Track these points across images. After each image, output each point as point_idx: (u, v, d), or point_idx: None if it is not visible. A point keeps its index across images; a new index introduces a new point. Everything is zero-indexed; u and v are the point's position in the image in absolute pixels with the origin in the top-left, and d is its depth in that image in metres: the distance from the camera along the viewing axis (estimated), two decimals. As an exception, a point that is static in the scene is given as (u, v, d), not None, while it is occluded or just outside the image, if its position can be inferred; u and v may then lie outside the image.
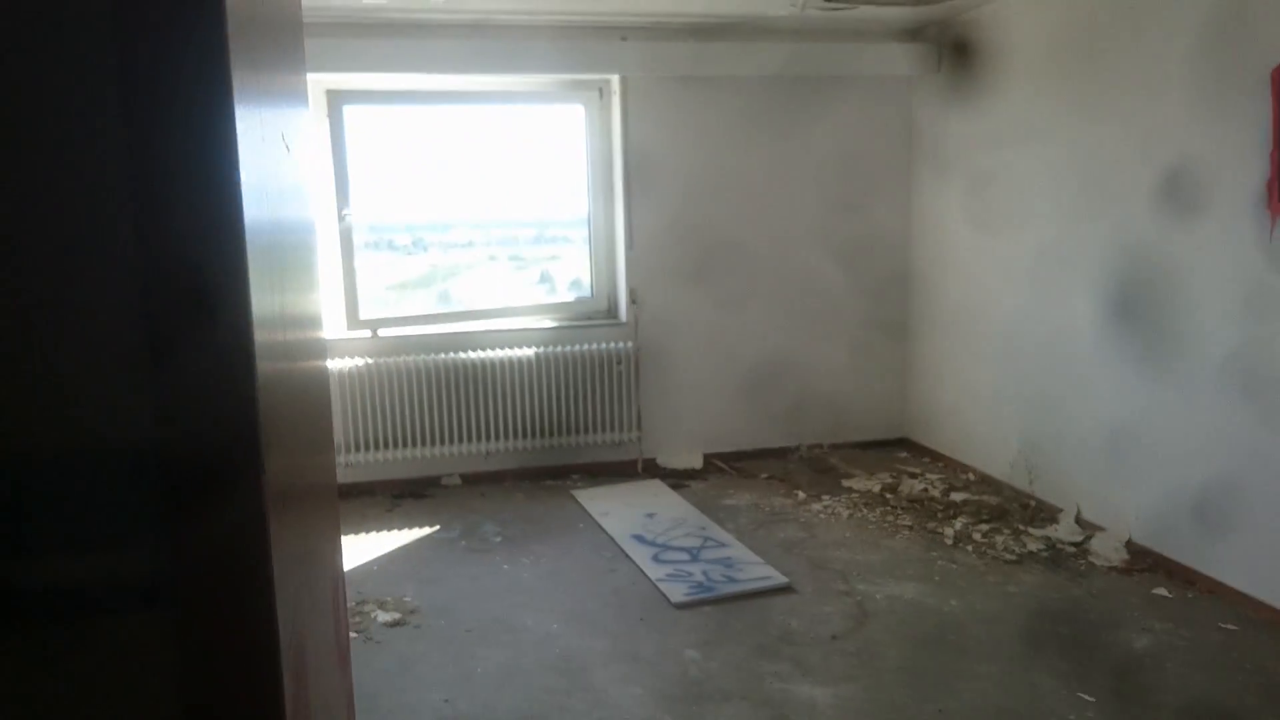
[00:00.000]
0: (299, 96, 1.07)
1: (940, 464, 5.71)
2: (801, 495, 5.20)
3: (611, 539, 4.62)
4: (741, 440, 5.93)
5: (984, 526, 4.63)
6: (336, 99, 5.22)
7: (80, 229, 0.66)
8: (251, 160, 0.72)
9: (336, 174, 5.28)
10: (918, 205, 5.92)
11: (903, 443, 6.13)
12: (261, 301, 0.75)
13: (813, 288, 5.91)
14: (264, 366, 0.72)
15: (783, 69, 5.53)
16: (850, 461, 5.77)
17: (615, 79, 5.57)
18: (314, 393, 1.09)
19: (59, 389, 0.68)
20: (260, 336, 0.72)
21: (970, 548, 4.42)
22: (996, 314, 5.21)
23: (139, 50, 0.63)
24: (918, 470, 5.57)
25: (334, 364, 5.24)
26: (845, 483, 5.37)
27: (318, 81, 5.24)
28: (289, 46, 1.03)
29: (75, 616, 0.70)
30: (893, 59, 5.65)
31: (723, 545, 4.50)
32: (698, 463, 5.79)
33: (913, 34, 5.74)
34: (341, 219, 5.31)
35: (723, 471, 5.71)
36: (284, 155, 0.88)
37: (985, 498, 5.04)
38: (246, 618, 0.70)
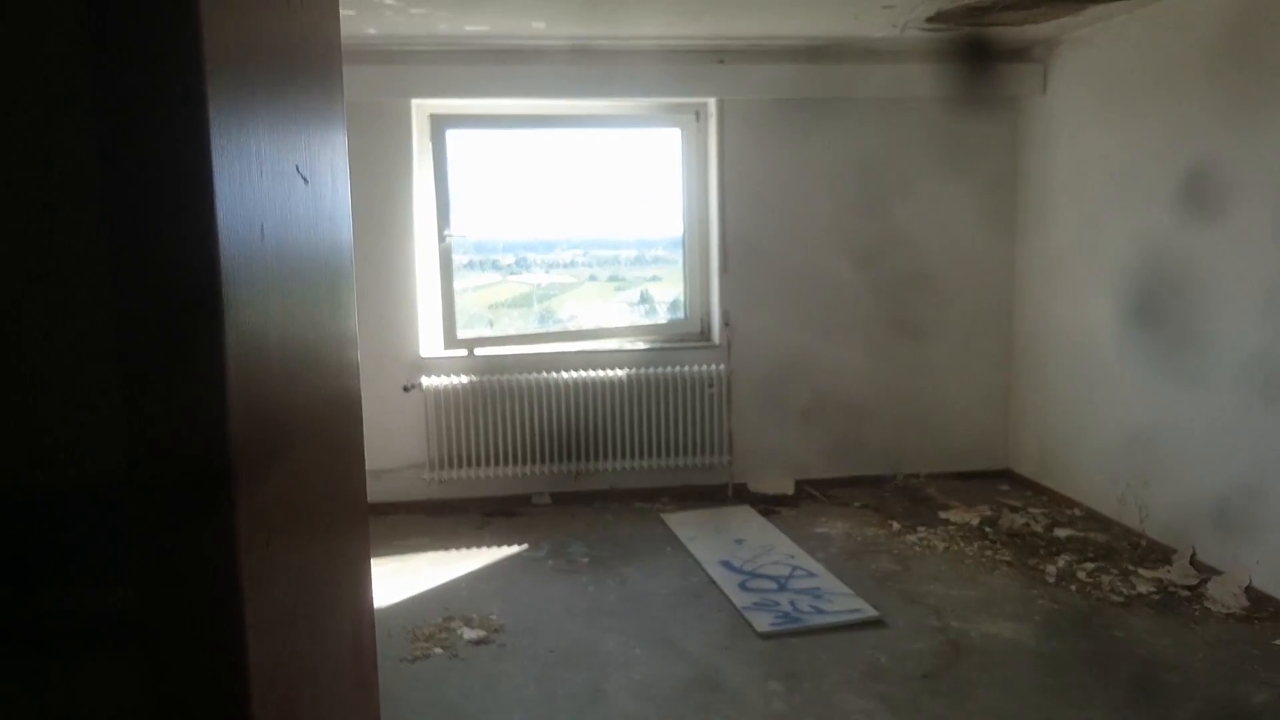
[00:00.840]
0: (324, 124, 1.06)
1: (1044, 498, 5.48)
2: (896, 526, 5.06)
3: (698, 564, 4.58)
4: (835, 467, 5.82)
5: (1090, 565, 4.42)
6: (440, 124, 5.36)
7: (51, 257, 0.66)
8: (240, 192, 0.72)
9: (438, 196, 5.41)
10: (1023, 231, 5.73)
11: (1004, 474, 5.92)
12: (252, 331, 0.75)
13: (912, 313, 5.77)
14: (248, 396, 0.72)
15: (883, 91, 5.45)
16: (948, 492, 5.59)
17: (712, 102, 5.57)
18: (331, 417, 1.08)
19: (26, 419, 0.69)
20: (246, 366, 0.72)
21: (1074, 587, 4.23)
22: (1107, 345, 4.99)
23: (114, 84, 0.64)
24: (1019, 504, 5.37)
25: (429, 381, 5.35)
26: (942, 514, 5.20)
27: (421, 106, 5.39)
28: (316, 73, 1.03)
29: (30, 654, 0.69)
30: (998, 81, 5.50)
31: (812, 575, 4.41)
32: (789, 489, 5.70)
33: (1018, 54, 5.58)
34: (442, 239, 5.43)
35: (815, 499, 5.61)
36: (297, 185, 0.88)
37: (1092, 535, 4.82)
38: (208, 653, 0.69)
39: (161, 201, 0.64)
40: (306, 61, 1.00)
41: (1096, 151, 5.01)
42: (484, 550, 4.85)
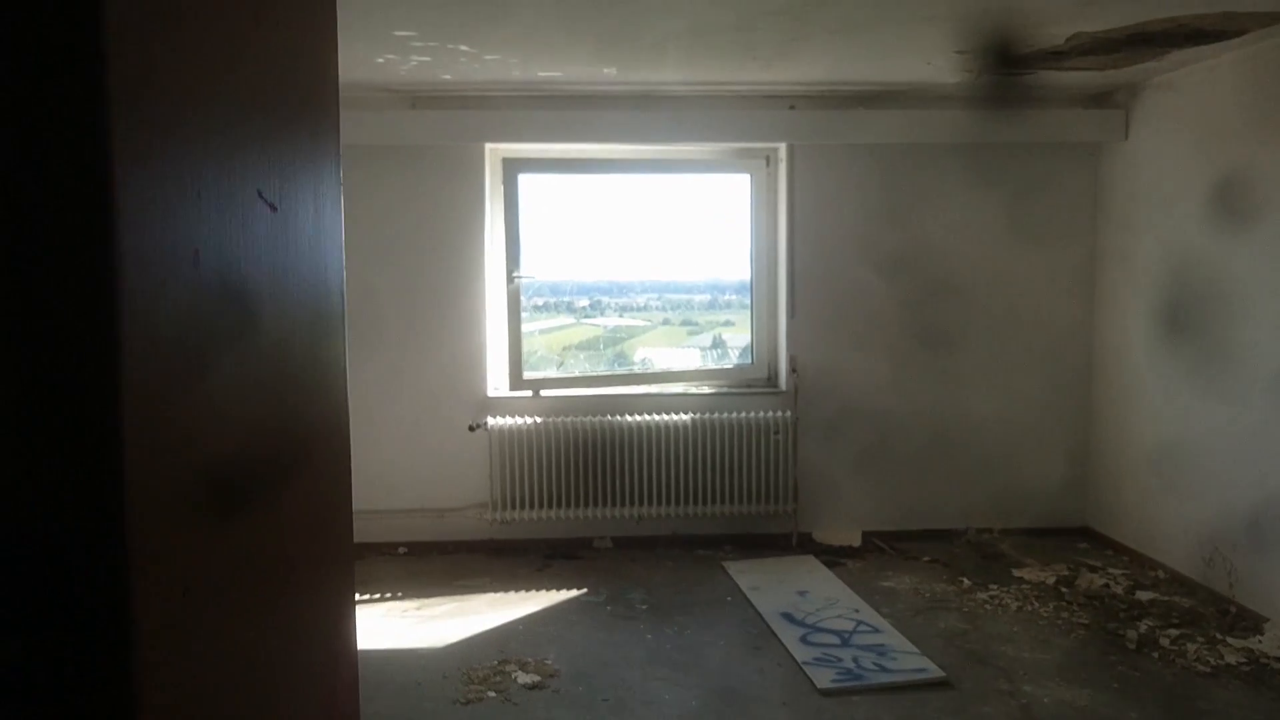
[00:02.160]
0: (309, 153, 1.02)
1: (1125, 558, 5.24)
2: (966, 583, 4.88)
3: (759, 615, 4.47)
4: (904, 519, 5.66)
5: (1174, 631, 4.19)
6: (512, 167, 5.44)
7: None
8: (164, 213, 0.68)
9: (508, 238, 5.47)
10: (1104, 280, 5.56)
11: (1083, 532, 5.69)
12: (167, 359, 0.69)
13: (985, 362, 5.63)
14: (153, 454, 0.66)
15: (956, 137, 5.37)
16: (1022, 549, 5.39)
17: (782, 147, 5.55)
18: (308, 458, 1.04)
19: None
20: (158, 416, 0.67)
21: (1156, 654, 4.01)
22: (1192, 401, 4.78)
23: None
24: (1098, 563, 5.14)
25: (494, 422, 5.37)
26: (1016, 572, 5.01)
27: (494, 150, 5.48)
28: (298, 101, 0.99)
29: None
30: (1076, 125, 5.37)
31: (876, 630, 4.27)
32: (855, 540, 5.57)
33: (1097, 99, 5.45)
34: (511, 280, 5.48)
35: (882, 551, 5.45)
36: (260, 212, 0.85)
37: (1176, 599, 4.59)
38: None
39: (43, 217, 0.59)
40: (286, 87, 0.96)
41: (1183, 198, 4.84)
42: (543, 593, 4.81)
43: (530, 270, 5.54)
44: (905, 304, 5.58)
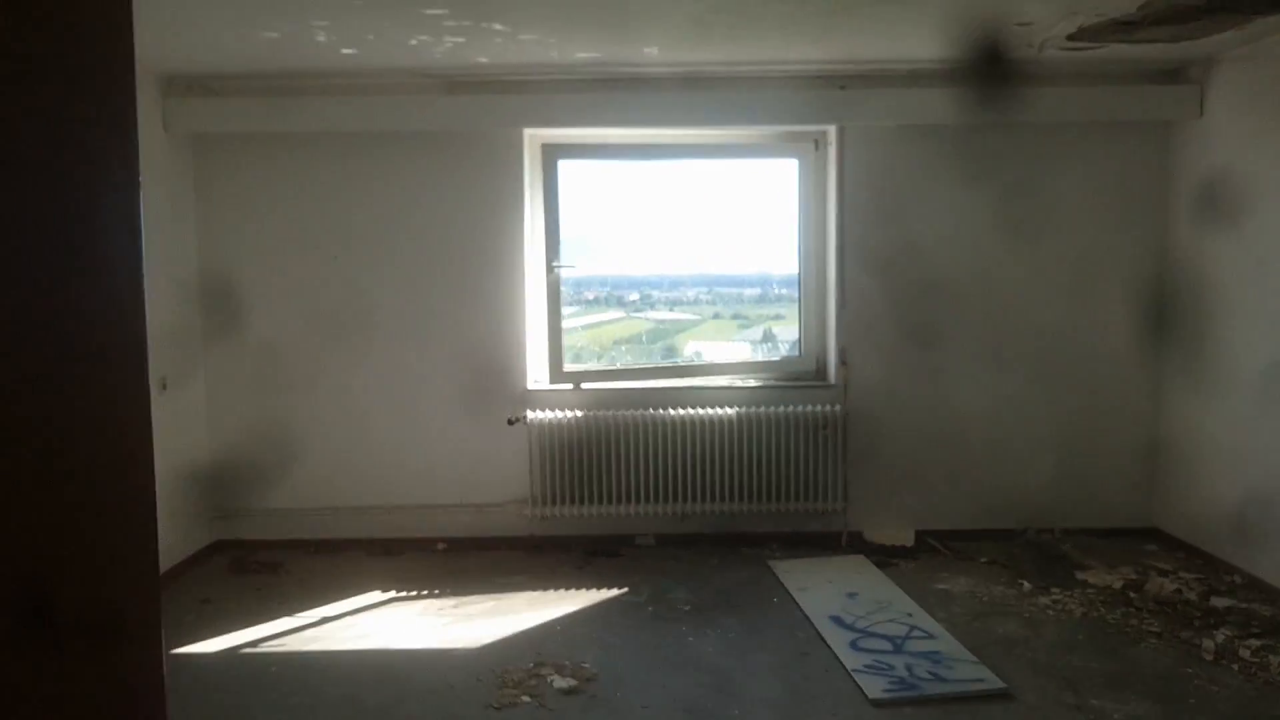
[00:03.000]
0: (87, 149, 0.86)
1: (1198, 561, 4.95)
2: (1026, 586, 4.63)
3: (807, 618, 4.28)
4: (959, 517, 5.42)
5: (1254, 642, 3.91)
6: (551, 153, 5.28)
7: None
8: None
9: (547, 227, 5.32)
10: (1176, 264, 5.25)
11: (1151, 533, 5.39)
12: None
13: (1046, 351, 5.35)
14: None
15: (1017, 116, 5.09)
16: (1086, 550, 5.12)
17: (832, 130, 5.32)
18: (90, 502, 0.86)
19: None
20: None
21: (1236, 667, 3.74)
22: (1274, 391, 4.47)
23: None
24: (1169, 567, 4.85)
25: (534, 416, 5.23)
26: (1080, 575, 4.74)
27: (533, 136, 5.33)
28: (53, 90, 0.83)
29: None
30: (1147, 103, 5.07)
31: (931, 636, 4.05)
32: (908, 539, 5.33)
33: (1170, 75, 5.14)
34: (550, 271, 5.33)
35: (936, 551, 5.22)
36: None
37: (1256, 606, 4.29)
38: None
39: None
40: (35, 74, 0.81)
41: (1263, 178, 4.53)
42: (582, 592, 4.66)
43: (571, 261, 5.38)
44: (963, 294, 5.32)
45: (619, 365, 5.60)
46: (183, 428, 5.18)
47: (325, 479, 5.42)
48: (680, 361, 5.67)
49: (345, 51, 4.49)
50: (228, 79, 5.07)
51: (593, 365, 5.59)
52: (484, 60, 4.71)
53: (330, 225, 5.30)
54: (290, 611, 4.48)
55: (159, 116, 4.99)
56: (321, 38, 4.22)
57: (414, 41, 4.31)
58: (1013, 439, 5.38)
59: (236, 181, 5.30)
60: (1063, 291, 5.33)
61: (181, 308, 5.19)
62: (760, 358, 5.72)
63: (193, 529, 5.29)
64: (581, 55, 4.65)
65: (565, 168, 5.33)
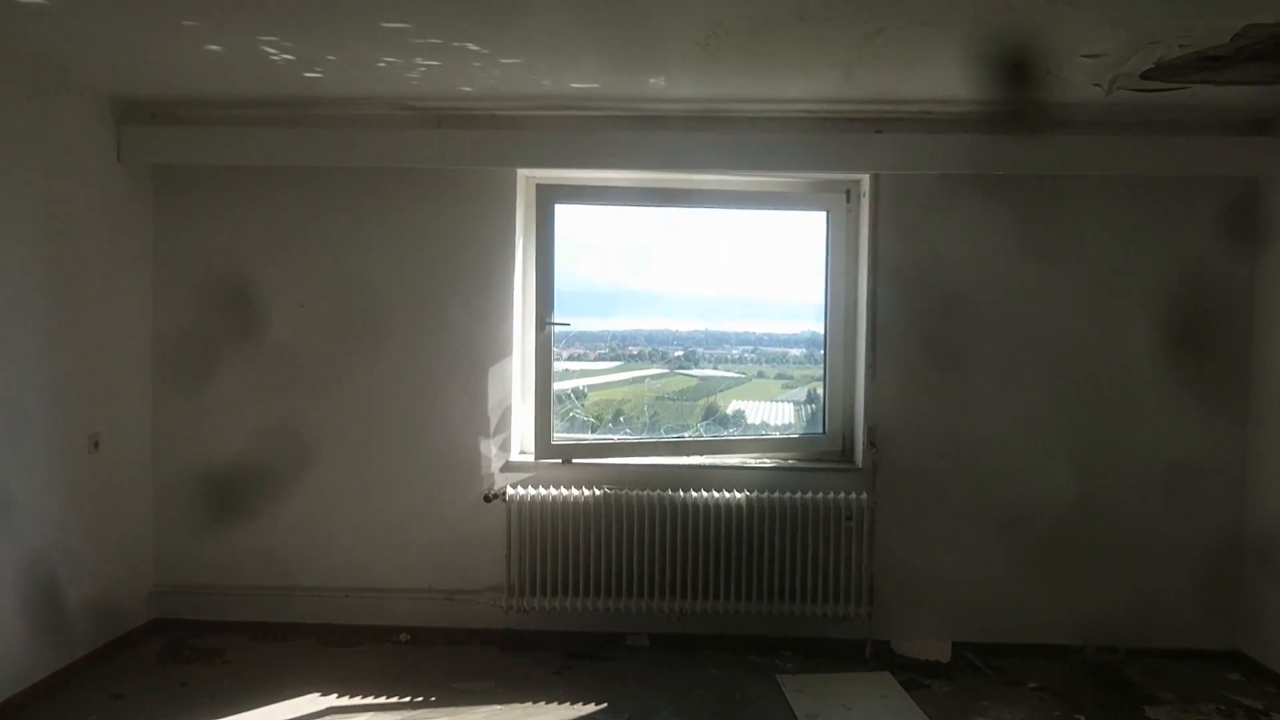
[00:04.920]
0: None
1: (1293, 699, 4.15)
2: (1085, 724, 3.86)
3: (817, 758, 3.54)
4: (1004, 629, 4.65)
5: (1378, 823, 3.12)
6: (547, 195, 4.70)
7: None
8: None
9: (540, 277, 4.72)
10: (1264, 341, 4.50)
11: (1233, 657, 4.58)
12: None
13: (1112, 437, 4.61)
14: None
15: (1078, 167, 4.43)
16: (1156, 678, 4.33)
17: (865, 179, 4.69)
18: None
19: None
20: None
21: None
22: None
23: None
24: (1259, 704, 4.05)
25: (514, 492, 4.59)
26: (1150, 713, 3.96)
27: (529, 177, 4.76)
28: None
29: None
30: (1232, 156, 4.38)
31: (969, 793, 3.29)
32: (944, 654, 4.57)
33: (1259, 125, 4.45)
34: (542, 328, 4.72)
35: (976, 671, 4.45)
36: None
37: (1373, 769, 3.49)
38: None
39: None
40: None
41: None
42: (553, 709, 3.96)
43: (565, 317, 4.76)
44: (1013, 364, 4.62)
45: (617, 440, 4.94)
46: (120, 490, 4.60)
47: (280, 554, 4.80)
48: (686, 436, 5.01)
49: (309, 75, 3.96)
50: (192, 106, 4.58)
51: (585, 437, 4.94)
52: (468, 89, 4.16)
53: (300, 270, 4.75)
54: (212, 716, 3.83)
55: (112, 144, 4.50)
56: (274, 55, 3.69)
57: (382, 64, 3.77)
58: (1071, 537, 4.62)
59: (201, 219, 4.77)
60: (1132, 366, 4.60)
61: (128, 357, 4.64)
62: (780, 430, 5.03)
63: (128, 605, 4.68)
64: (578, 86, 4.09)
65: (563, 212, 4.74)
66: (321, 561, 4.79)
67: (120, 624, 4.60)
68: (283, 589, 4.79)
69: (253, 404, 4.78)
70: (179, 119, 4.64)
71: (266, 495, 4.79)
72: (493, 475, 4.72)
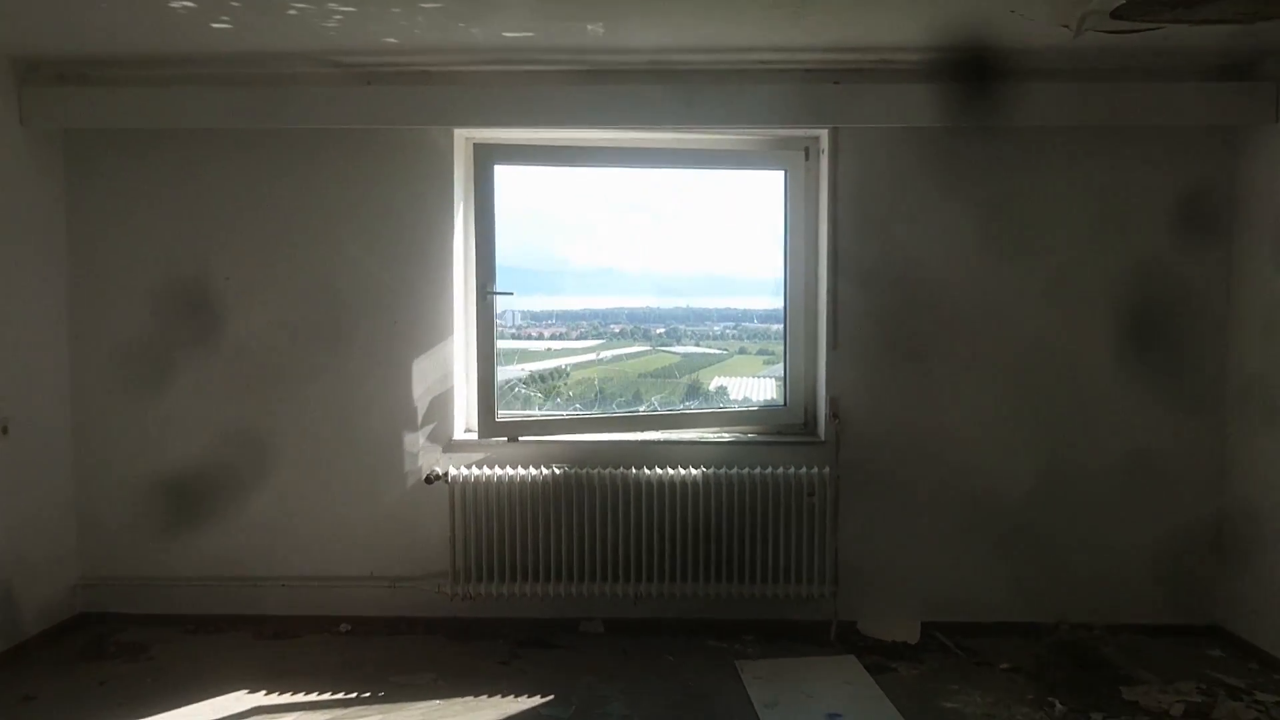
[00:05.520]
0: None
1: (1278, 675, 3.94)
2: (1059, 708, 3.64)
3: (773, 750, 3.31)
4: (975, 607, 4.44)
5: (1367, 808, 2.91)
6: (485, 155, 4.41)
7: None
8: None
9: (479, 242, 4.44)
10: (1244, 296, 4.28)
11: (1213, 632, 4.38)
12: None
13: (1083, 402, 4.39)
14: None
15: (1047, 118, 4.18)
16: (1134, 656, 4.12)
17: (824, 135, 4.43)
18: None
19: None
20: None
21: None
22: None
23: None
24: (1241, 683, 3.85)
25: (458, 473, 4.33)
26: (1127, 693, 3.75)
27: (463, 135, 4.47)
28: None
29: None
30: (1208, 104, 4.14)
31: (932, 785, 3.07)
32: (912, 635, 4.35)
33: (1237, 70, 4.21)
34: (484, 297, 4.44)
35: (946, 651, 4.23)
36: None
37: (1360, 749, 3.29)
38: None
39: None
40: None
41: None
42: (496, 701, 3.71)
43: (507, 286, 4.49)
44: (983, 334, 4.38)
45: (566, 415, 4.68)
46: (34, 477, 4.31)
47: (212, 542, 4.53)
48: (640, 410, 4.75)
49: (217, 26, 3.66)
50: (103, 66, 4.26)
51: (532, 413, 4.68)
52: (393, 41, 3.87)
53: (226, 240, 4.46)
54: (129, 718, 3.57)
55: (13, 107, 4.18)
56: (174, 3, 3.38)
57: (293, 10, 3.47)
58: (1043, 509, 4.41)
59: (116, 187, 4.47)
60: (1106, 328, 4.37)
61: (41, 337, 4.34)
62: (729, 408, 4.77)
63: (53, 599, 4.41)
64: (511, 35, 3.80)
65: (504, 174, 4.45)
66: (258, 550, 4.52)
67: (45, 618, 4.34)
68: (216, 579, 4.53)
69: (181, 384, 4.49)
70: (89, 80, 4.32)
71: (198, 482, 4.51)
72: (435, 456, 4.46)
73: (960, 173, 4.32)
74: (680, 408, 4.78)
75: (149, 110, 4.26)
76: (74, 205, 4.47)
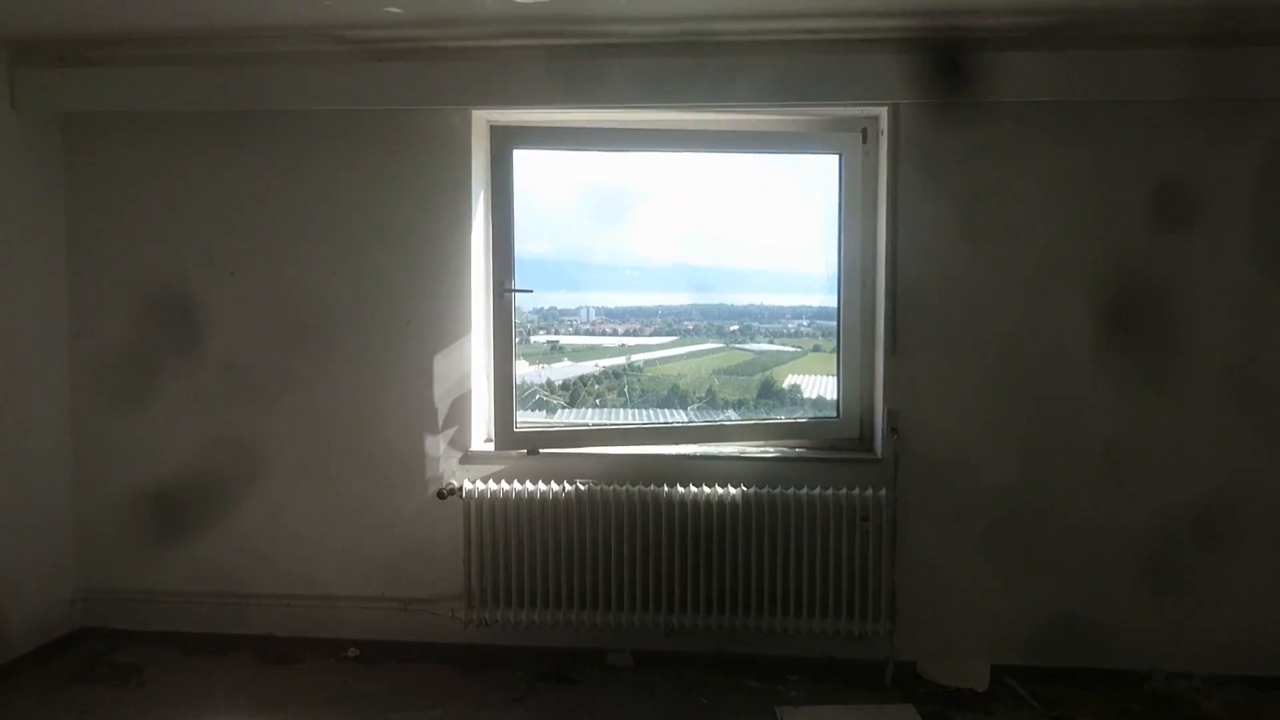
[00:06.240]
0: None
1: None
2: (1153, 781, 3.11)
3: (810, 825, 2.85)
4: (1054, 651, 3.90)
5: None
6: (503, 139, 4.00)
7: None
8: None
9: (497, 234, 4.03)
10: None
11: (1336, 687, 3.78)
12: None
13: (1180, 419, 3.81)
14: None
15: (1161, 92, 3.62)
16: (1241, 714, 3.55)
17: (884, 114, 3.92)
18: None
19: None
20: None
21: None
22: None
23: None
24: (1374, 755, 3.26)
25: (474, 487, 3.94)
26: (1235, 765, 3.19)
27: (483, 117, 4.07)
28: None
29: None
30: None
31: None
32: (979, 681, 3.84)
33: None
34: (500, 295, 4.04)
35: (1019, 702, 3.71)
36: None
37: None
38: None
39: None
40: None
41: None
42: (501, 748, 3.32)
43: (525, 283, 4.08)
44: (1067, 336, 3.83)
45: (592, 425, 4.26)
46: (35, 483, 4.06)
47: (216, 556, 4.23)
48: (675, 421, 4.32)
49: (208, -5, 3.32)
50: (102, 46, 3.97)
51: (556, 420, 4.28)
52: (398, 11, 3.48)
53: (228, 234, 4.14)
54: (103, 754, 3.27)
55: (5, 91, 3.91)
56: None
57: (281, -26, 3.11)
58: (1134, 540, 3.85)
59: (118, 177, 4.18)
60: (1209, 334, 3.79)
61: (36, 339, 4.08)
62: (775, 418, 4.30)
63: (50, 612, 4.16)
64: (524, 1, 3.37)
65: (523, 160, 4.03)
66: (262, 565, 4.20)
67: (41, 633, 4.09)
68: (218, 595, 4.23)
69: (188, 387, 4.19)
70: (89, 61, 4.03)
71: (201, 492, 4.21)
72: (452, 467, 4.08)
73: (1044, 154, 3.78)
74: (720, 418, 4.33)
75: (147, 91, 3.96)
76: (73, 197, 4.20)
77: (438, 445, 4.08)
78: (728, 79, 3.76)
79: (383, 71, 3.88)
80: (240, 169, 4.11)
